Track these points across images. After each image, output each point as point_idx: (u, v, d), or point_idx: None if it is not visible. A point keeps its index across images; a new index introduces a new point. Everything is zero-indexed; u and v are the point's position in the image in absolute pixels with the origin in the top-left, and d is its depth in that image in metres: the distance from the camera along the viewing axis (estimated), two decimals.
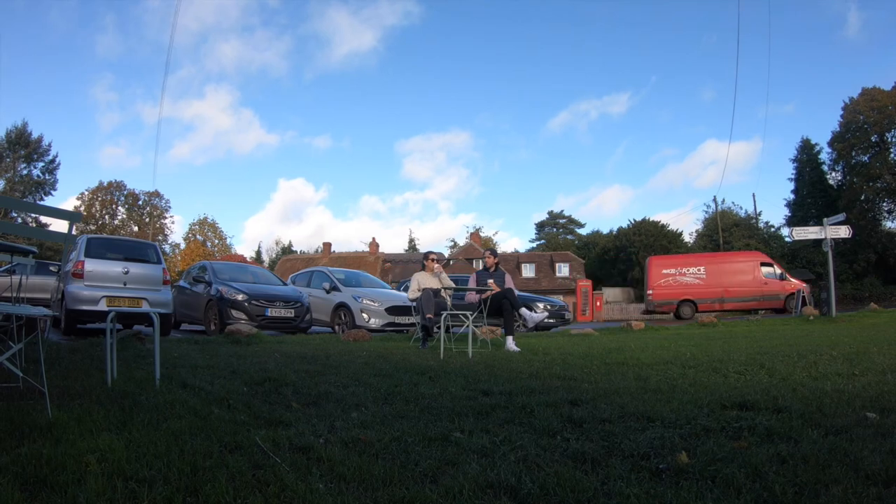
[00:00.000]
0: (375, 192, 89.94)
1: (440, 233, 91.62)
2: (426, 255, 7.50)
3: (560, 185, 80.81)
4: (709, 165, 73.32)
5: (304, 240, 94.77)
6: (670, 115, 72.98)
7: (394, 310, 10.11)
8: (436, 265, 7.33)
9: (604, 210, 78.33)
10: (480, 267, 7.78)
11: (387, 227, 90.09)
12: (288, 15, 75.50)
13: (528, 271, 40.58)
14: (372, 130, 79.68)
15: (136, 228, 48.81)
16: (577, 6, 70.08)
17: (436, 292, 7.00)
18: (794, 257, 34.85)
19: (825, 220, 14.61)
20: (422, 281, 7.15)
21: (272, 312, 9.56)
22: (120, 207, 50.27)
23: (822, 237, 14.31)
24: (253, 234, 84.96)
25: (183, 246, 51.25)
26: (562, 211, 59.81)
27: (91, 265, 8.20)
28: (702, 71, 69.30)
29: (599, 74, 73.05)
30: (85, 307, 8.02)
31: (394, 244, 70.69)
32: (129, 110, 74.54)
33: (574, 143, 76.41)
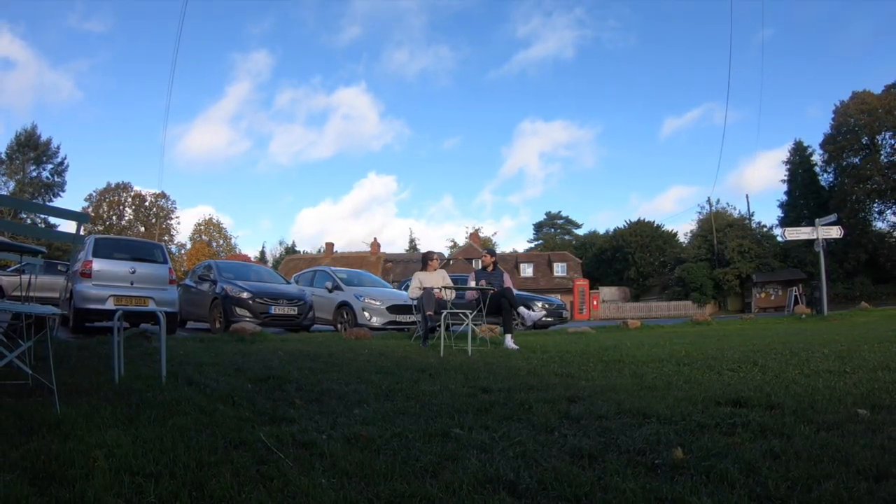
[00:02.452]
0: (457, 194, 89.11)
1: (441, 233, 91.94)
2: (428, 255, 7.50)
3: (634, 186, 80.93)
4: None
5: (357, 237, 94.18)
6: (667, 119, 73.11)
7: (395, 308, 10.10)
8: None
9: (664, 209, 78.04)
10: (479, 266, 7.75)
11: (436, 228, 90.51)
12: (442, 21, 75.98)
13: (526, 271, 40.58)
14: (496, 133, 79.81)
15: (142, 229, 48.78)
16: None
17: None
18: (787, 257, 34.89)
19: (817, 220, 14.64)
20: (423, 280, 7.15)
21: (276, 310, 9.55)
22: (127, 208, 50.27)
23: (814, 237, 14.33)
24: (305, 227, 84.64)
25: (189, 246, 51.30)
26: (559, 212, 59.87)
27: (99, 265, 8.20)
28: (698, 74, 69.46)
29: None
30: (92, 306, 8.02)
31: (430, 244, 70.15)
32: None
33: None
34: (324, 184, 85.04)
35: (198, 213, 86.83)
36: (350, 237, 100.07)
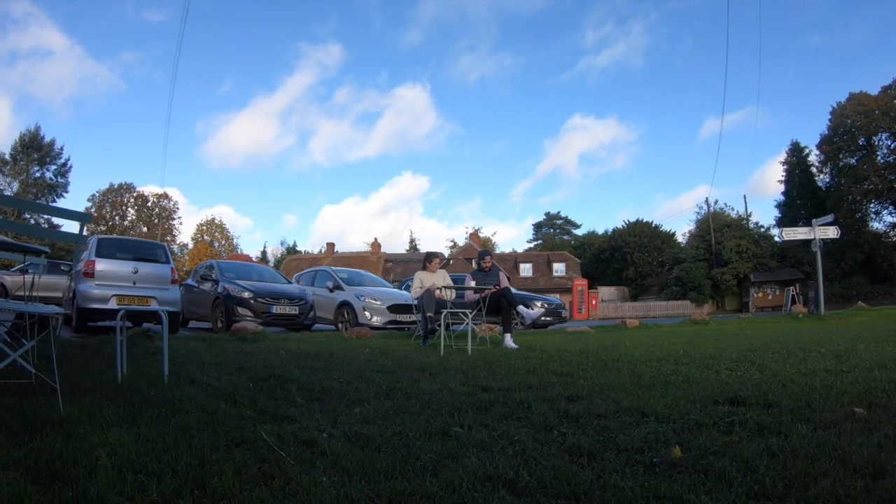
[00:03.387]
0: (488, 195, 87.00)
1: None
2: (429, 256, 7.49)
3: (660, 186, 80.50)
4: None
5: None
6: (661, 123, 73.04)
7: (395, 308, 10.09)
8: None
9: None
10: (475, 267, 7.74)
11: (457, 228, 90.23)
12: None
13: (525, 271, 40.58)
14: (544, 128, 79.10)
15: (144, 229, 48.78)
16: None
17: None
18: (784, 257, 34.88)
19: (814, 220, 14.64)
20: (424, 280, 7.14)
21: (277, 309, 9.55)
22: (129, 209, 50.28)
23: (811, 237, 14.34)
24: (325, 225, 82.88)
25: (191, 246, 51.29)
26: (559, 212, 59.86)
27: (101, 265, 8.20)
28: (696, 77, 69.39)
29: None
30: (95, 305, 8.01)
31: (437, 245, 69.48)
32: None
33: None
34: (357, 182, 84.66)
35: (214, 214, 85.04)
36: (371, 236, 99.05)
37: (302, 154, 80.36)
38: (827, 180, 37.51)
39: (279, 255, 56.18)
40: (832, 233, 14.51)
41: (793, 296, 22.45)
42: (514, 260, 42.22)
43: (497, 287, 6.91)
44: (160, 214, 50.78)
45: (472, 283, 7.20)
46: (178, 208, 52.01)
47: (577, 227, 58.19)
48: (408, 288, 10.25)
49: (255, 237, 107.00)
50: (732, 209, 42.11)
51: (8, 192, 39.13)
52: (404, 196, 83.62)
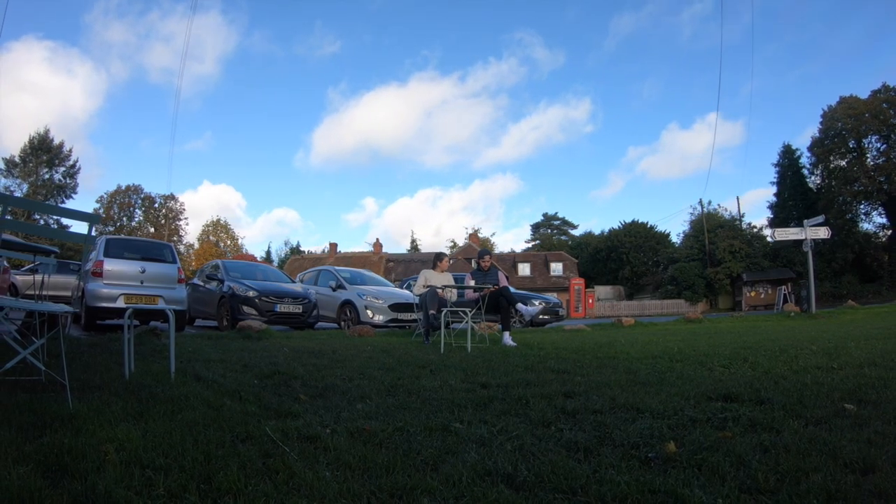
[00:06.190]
0: (565, 199, 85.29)
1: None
2: (439, 256, 7.52)
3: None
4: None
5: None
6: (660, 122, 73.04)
7: (397, 306, 10.09)
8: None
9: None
10: (475, 267, 7.74)
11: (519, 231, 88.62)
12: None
13: (523, 270, 40.58)
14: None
15: (152, 230, 48.77)
16: None
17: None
18: (776, 257, 34.90)
19: (805, 221, 14.64)
20: (429, 278, 7.14)
21: (281, 308, 9.55)
22: (137, 210, 50.27)
23: (803, 238, 14.33)
24: (390, 221, 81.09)
25: (197, 246, 51.27)
26: (556, 213, 59.86)
27: (110, 265, 8.20)
28: (692, 79, 69.34)
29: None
30: (104, 304, 8.01)
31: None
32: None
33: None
34: (447, 181, 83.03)
35: (272, 218, 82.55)
36: (449, 233, 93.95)
37: (422, 149, 78.37)
38: (818, 182, 37.49)
39: (283, 255, 56.21)
40: (823, 233, 14.51)
41: (784, 294, 22.47)
42: (512, 260, 42.23)
43: (496, 286, 6.92)
44: (167, 216, 50.78)
45: (472, 283, 7.20)
46: (184, 209, 52.03)
47: (574, 227, 58.28)
48: (409, 287, 10.25)
49: (313, 238, 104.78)
50: (726, 210, 42.20)
51: (18, 194, 39.16)
52: (490, 196, 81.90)
